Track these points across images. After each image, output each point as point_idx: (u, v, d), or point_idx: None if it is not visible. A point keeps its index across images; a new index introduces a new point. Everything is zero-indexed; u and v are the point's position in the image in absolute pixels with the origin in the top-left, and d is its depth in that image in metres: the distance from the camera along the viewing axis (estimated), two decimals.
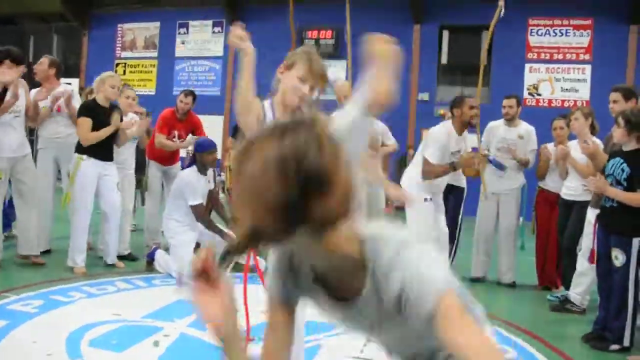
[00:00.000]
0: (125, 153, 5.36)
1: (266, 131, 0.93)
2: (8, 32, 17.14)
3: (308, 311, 2.91)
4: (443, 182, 4.64)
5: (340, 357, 2.98)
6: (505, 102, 5.37)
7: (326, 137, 0.91)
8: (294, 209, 0.86)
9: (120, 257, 5.01)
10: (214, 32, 14.89)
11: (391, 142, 5.86)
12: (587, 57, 12.19)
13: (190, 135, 6.01)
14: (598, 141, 4.49)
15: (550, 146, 5.19)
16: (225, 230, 4.79)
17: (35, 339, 2.97)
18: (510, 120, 5.32)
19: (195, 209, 4.62)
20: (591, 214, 4.13)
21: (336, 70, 13.57)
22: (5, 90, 4.13)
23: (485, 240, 5.31)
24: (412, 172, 4.60)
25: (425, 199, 4.41)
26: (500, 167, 5.20)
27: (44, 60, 5.13)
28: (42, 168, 5.06)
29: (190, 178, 4.66)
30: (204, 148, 4.79)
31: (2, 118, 4.37)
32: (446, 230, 4.67)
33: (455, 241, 5.32)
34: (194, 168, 4.73)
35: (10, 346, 2.84)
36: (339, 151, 0.91)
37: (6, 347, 2.81)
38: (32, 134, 6.90)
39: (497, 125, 5.42)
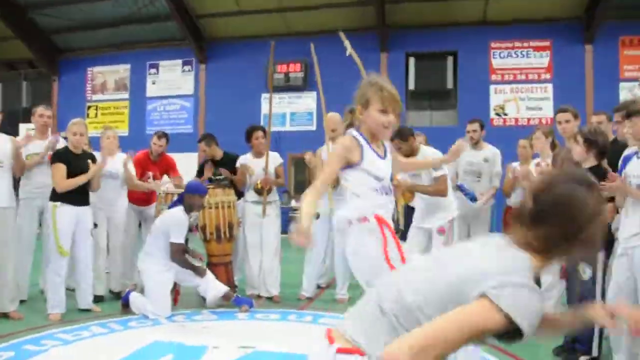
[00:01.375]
0: (112, 194, 5.38)
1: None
2: None
3: None
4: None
5: None
6: (469, 126, 5.51)
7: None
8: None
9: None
10: (184, 70, 15.01)
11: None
12: (547, 76, 12.60)
13: (165, 177, 6.06)
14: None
15: (515, 165, 5.34)
16: (198, 264, 4.83)
17: None
18: (475, 144, 5.46)
19: (174, 247, 4.64)
20: None
21: (304, 102, 13.79)
22: None
23: None
24: None
25: None
26: (472, 199, 5.27)
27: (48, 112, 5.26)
28: (26, 218, 5.00)
29: (178, 216, 4.68)
30: (195, 190, 4.83)
31: None
32: None
33: None
34: (180, 208, 4.75)
35: None
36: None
37: None
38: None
39: None
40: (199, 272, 4.76)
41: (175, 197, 5.44)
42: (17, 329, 4.14)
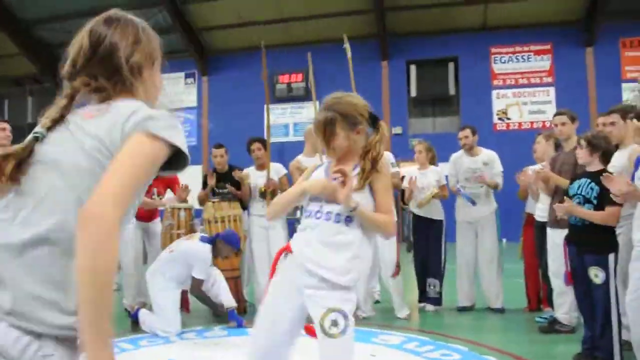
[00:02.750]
0: None
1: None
2: None
3: None
4: None
5: None
6: (460, 133, 5.53)
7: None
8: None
9: None
10: (186, 83, 15.08)
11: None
12: (550, 79, 12.64)
13: (169, 191, 6.03)
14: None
15: (533, 168, 5.25)
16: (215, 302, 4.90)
17: None
18: (470, 150, 5.45)
19: (196, 282, 4.68)
20: (553, 234, 4.23)
21: (307, 112, 13.81)
22: None
23: (467, 269, 5.37)
24: None
25: None
26: (472, 202, 5.28)
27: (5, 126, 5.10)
28: None
29: (205, 256, 4.67)
30: (231, 242, 4.83)
31: None
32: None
33: (442, 273, 5.37)
34: (209, 248, 4.73)
35: None
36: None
37: None
38: None
39: (459, 156, 5.55)
40: (216, 310, 4.89)
41: (182, 212, 5.44)
42: None
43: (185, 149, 1.18)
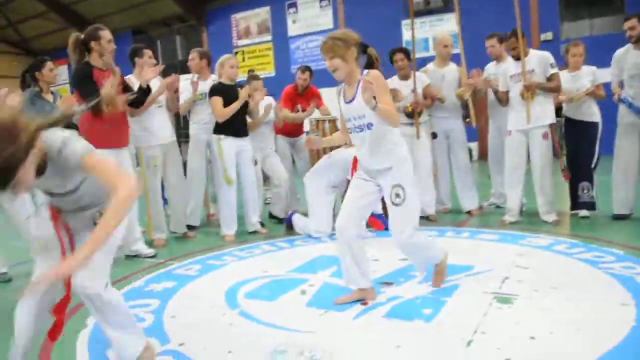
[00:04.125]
0: (264, 135, 5.83)
1: None
2: (138, 41, 18.76)
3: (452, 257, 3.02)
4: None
5: (478, 293, 3.02)
6: (625, 24, 4.77)
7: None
8: None
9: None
10: (321, 6, 15.10)
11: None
12: None
13: (311, 106, 6.26)
14: None
15: None
16: None
17: (199, 295, 3.36)
18: (637, 43, 4.76)
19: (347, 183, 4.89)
20: None
21: (447, 24, 13.16)
22: (148, 86, 4.58)
23: (625, 174, 4.90)
24: None
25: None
26: (637, 112, 4.74)
27: (194, 55, 5.63)
28: (195, 152, 5.57)
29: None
30: None
31: (149, 110, 4.85)
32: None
33: (593, 177, 5.05)
34: None
35: (180, 301, 3.25)
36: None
37: (176, 303, 3.22)
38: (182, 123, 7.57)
39: (624, 52, 4.85)
40: None
41: (326, 123, 5.62)
42: (200, 248, 4.69)
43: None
